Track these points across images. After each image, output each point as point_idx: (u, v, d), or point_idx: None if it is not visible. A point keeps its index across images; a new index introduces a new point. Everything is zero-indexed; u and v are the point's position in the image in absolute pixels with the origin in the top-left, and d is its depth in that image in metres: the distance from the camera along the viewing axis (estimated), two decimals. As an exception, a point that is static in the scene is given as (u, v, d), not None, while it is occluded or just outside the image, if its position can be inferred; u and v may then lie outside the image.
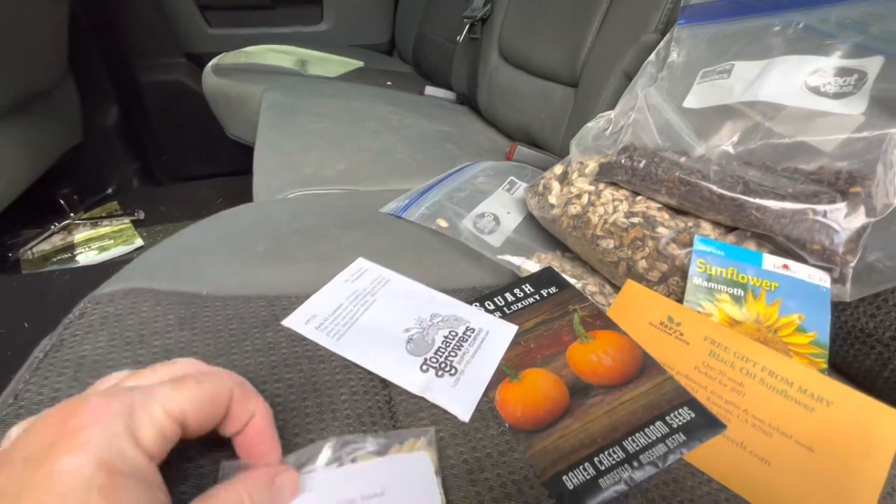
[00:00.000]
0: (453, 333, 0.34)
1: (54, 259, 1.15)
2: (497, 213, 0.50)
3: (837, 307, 0.37)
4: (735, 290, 0.34)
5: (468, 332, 0.34)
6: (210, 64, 1.14)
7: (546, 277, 0.40)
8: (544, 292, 0.38)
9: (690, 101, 0.45)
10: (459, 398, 0.29)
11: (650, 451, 0.26)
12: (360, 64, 1.31)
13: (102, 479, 0.12)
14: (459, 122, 0.90)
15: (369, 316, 0.35)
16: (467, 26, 0.95)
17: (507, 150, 0.72)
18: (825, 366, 0.32)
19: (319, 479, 0.22)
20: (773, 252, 0.36)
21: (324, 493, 0.22)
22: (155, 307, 0.32)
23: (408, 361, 0.31)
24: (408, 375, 0.30)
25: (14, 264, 1.11)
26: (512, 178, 0.58)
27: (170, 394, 0.17)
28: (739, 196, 0.36)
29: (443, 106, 1.02)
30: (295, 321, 0.33)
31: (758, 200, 0.35)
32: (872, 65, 0.36)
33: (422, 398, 0.29)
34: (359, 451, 0.24)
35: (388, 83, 1.18)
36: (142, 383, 0.19)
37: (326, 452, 0.24)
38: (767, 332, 0.33)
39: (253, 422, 0.21)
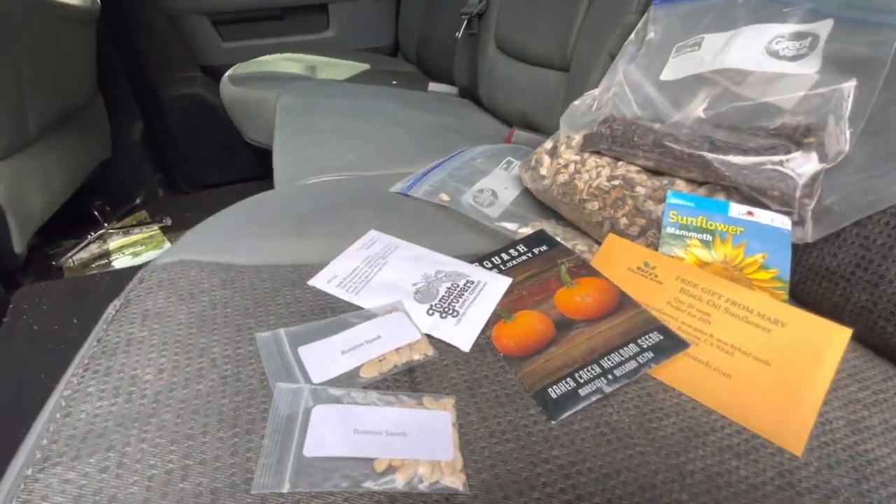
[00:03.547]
0: (455, 285, 0.39)
1: (93, 265, 1.24)
2: (495, 188, 0.55)
3: (805, 249, 0.41)
4: (704, 235, 0.38)
5: (468, 284, 0.39)
6: (227, 74, 1.21)
7: (538, 238, 0.45)
8: (536, 250, 0.43)
9: (666, 74, 0.49)
10: (461, 334, 0.34)
11: (623, 366, 0.31)
12: (367, 66, 1.37)
13: None
14: (461, 114, 0.95)
15: (382, 275, 0.40)
16: (465, 22, 1.00)
17: (507, 136, 0.77)
18: (786, 297, 0.36)
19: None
20: (740, 202, 0.40)
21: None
22: (200, 273, 0.38)
23: (416, 308, 0.36)
24: (416, 317, 0.35)
25: (58, 271, 1.20)
26: (509, 157, 0.62)
27: None
28: (706, 154, 0.40)
29: (446, 100, 1.07)
30: (319, 281, 0.39)
31: (722, 156, 0.39)
32: (824, 27, 0.40)
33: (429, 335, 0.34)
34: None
35: (394, 82, 1.23)
36: None
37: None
38: (734, 271, 0.37)
39: None
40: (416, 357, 0.32)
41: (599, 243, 0.47)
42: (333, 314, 0.36)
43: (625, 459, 0.27)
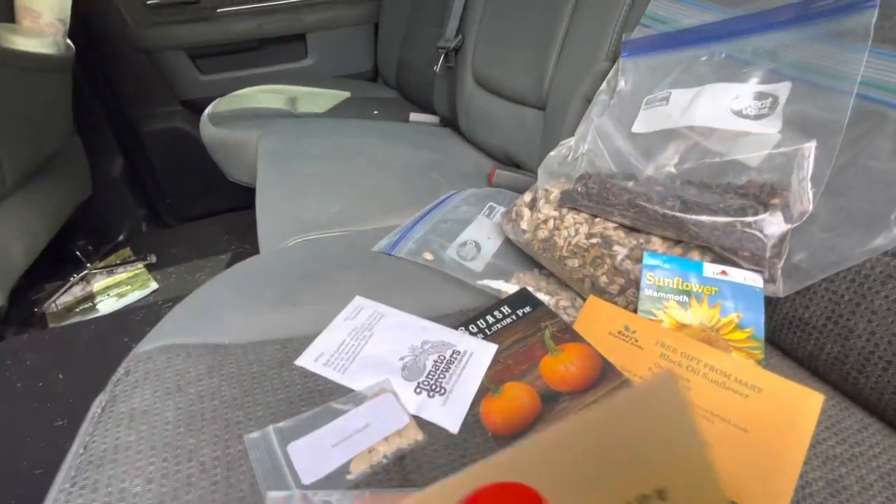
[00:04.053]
0: (442, 357, 0.39)
1: (77, 310, 1.22)
2: (478, 239, 0.56)
3: (778, 299, 0.42)
4: (681, 297, 0.40)
5: (454, 355, 0.39)
6: (206, 113, 1.21)
7: (521, 298, 0.45)
8: (520, 312, 0.44)
9: (638, 127, 0.51)
10: (449, 414, 0.35)
11: (608, 444, 0.31)
12: (347, 94, 1.38)
13: None
14: (443, 148, 0.96)
15: (369, 348, 0.40)
16: (442, 56, 1.01)
17: (489, 172, 0.78)
18: (761, 356, 0.37)
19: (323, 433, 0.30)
20: (714, 260, 0.41)
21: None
22: (186, 360, 0.38)
23: (404, 386, 0.37)
24: (404, 398, 0.36)
25: (41, 318, 1.18)
26: (491, 203, 0.63)
27: None
28: (679, 214, 0.41)
29: (427, 132, 1.08)
30: (305, 360, 0.39)
31: (694, 217, 0.40)
32: (783, 89, 0.41)
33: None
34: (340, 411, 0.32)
35: (375, 112, 1.24)
36: None
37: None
38: (711, 332, 0.38)
39: None
40: (406, 444, 0.32)
41: (582, 297, 0.48)
42: (322, 398, 0.36)
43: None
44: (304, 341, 0.41)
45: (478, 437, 0.34)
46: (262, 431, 0.32)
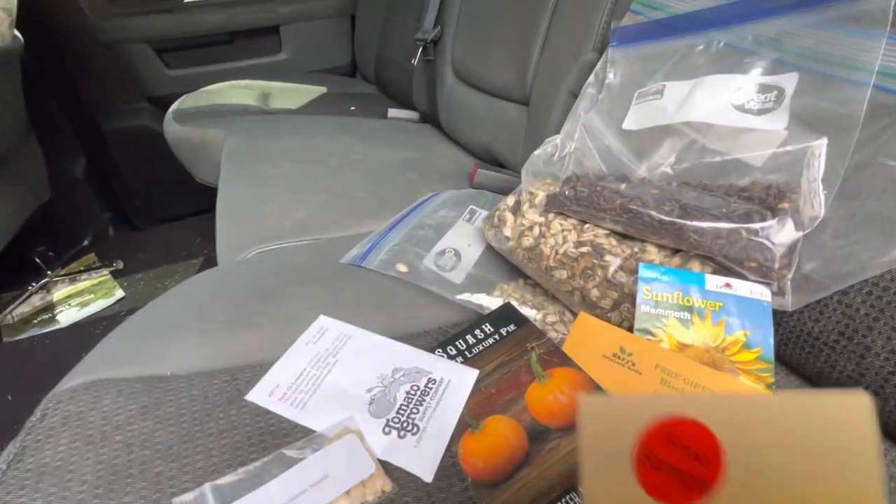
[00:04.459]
0: (415, 388, 0.34)
1: (35, 321, 1.14)
2: (458, 247, 0.51)
3: (783, 312, 0.38)
4: (682, 313, 0.35)
5: (430, 385, 0.35)
6: (171, 110, 1.14)
7: (505, 315, 0.41)
8: (503, 331, 0.39)
9: (629, 123, 0.46)
10: (422, 458, 0.30)
11: (604, 493, 0.27)
12: (324, 89, 1.31)
13: None
14: (422, 145, 0.91)
15: (332, 378, 0.35)
16: (420, 48, 0.96)
17: (470, 171, 0.73)
18: (772, 380, 0.33)
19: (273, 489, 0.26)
20: (716, 270, 0.37)
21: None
22: (117, 398, 0.33)
23: (371, 425, 0.32)
24: (370, 438, 0.31)
25: (-5, 331, 1.10)
26: (472, 206, 0.59)
27: None
28: (677, 220, 0.37)
29: (406, 129, 1.02)
30: (258, 395, 0.34)
31: (694, 223, 0.36)
32: (789, 81, 0.37)
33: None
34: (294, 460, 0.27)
35: (352, 108, 1.18)
36: None
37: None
38: (715, 353, 0.34)
39: None
40: (371, 498, 0.28)
41: (571, 311, 0.44)
42: (274, 441, 0.31)
43: None
44: (259, 370, 0.36)
45: (455, 485, 0.29)
46: (197, 491, 0.27)
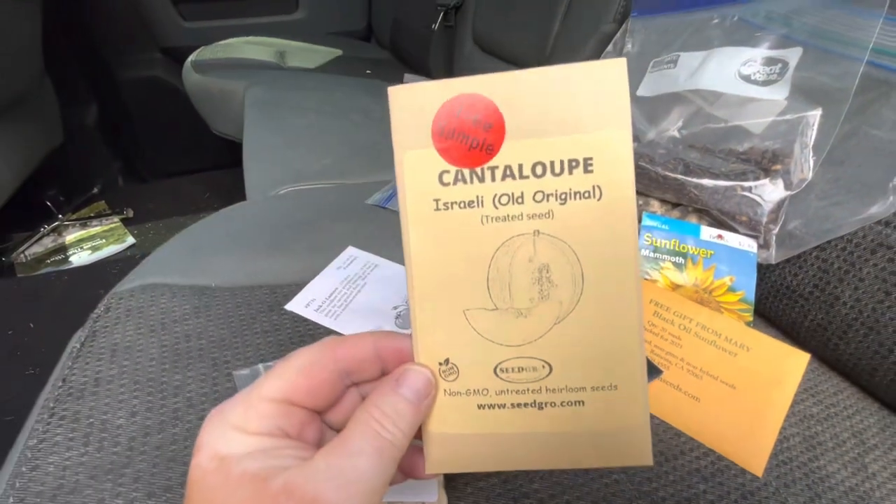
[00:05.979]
0: (436, 308, 0.39)
1: (48, 261, 1.17)
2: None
3: (768, 268, 0.43)
4: (677, 258, 0.40)
5: (449, 307, 0.39)
6: (189, 60, 1.15)
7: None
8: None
9: (643, 90, 0.50)
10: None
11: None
12: (339, 52, 1.32)
13: (215, 463, 0.16)
14: (438, 110, 0.93)
15: (361, 297, 0.40)
16: (441, 14, 0.97)
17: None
18: (751, 319, 0.38)
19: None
20: (710, 224, 0.41)
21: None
22: (172, 299, 0.37)
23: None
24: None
25: (9, 268, 1.13)
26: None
27: (263, 381, 0.18)
28: (680, 176, 0.41)
29: (422, 94, 1.05)
30: (296, 305, 0.38)
31: (695, 180, 0.40)
32: (793, 55, 0.41)
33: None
34: None
35: (368, 71, 1.20)
36: None
37: None
38: (703, 293, 0.39)
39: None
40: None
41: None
42: (313, 342, 0.35)
43: (601, 489, 0.28)
44: (295, 288, 0.40)
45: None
46: (251, 368, 0.31)
